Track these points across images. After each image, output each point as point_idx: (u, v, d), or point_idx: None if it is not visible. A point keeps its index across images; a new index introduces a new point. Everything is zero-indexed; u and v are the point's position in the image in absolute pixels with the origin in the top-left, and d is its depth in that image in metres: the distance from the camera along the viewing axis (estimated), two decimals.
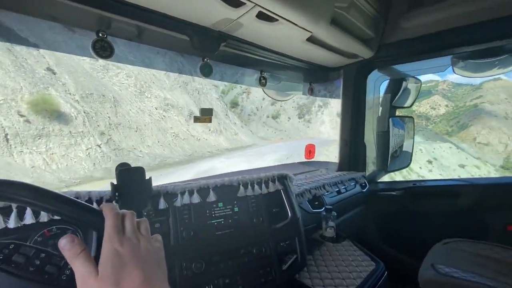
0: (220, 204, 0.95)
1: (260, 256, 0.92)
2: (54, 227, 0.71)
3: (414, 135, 2.11)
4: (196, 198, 0.90)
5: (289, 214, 1.03)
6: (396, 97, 1.94)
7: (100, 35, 0.95)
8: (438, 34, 1.39)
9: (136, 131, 18.08)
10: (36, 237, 0.68)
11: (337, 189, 1.52)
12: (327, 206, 1.30)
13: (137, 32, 1.10)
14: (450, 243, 1.38)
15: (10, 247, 0.39)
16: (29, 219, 0.65)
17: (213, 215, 0.93)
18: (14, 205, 0.65)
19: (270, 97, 1.74)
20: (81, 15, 0.91)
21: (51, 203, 0.40)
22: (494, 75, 1.62)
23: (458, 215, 1.65)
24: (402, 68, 1.78)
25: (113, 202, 0.81)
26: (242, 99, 67.70)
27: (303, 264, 0.99)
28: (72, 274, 0.38)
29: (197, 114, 1.26)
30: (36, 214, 0.67)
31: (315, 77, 1.78)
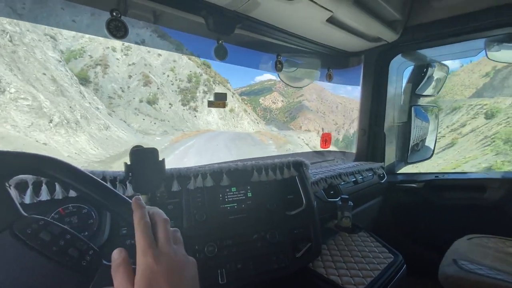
0: (234, 189, 0.94)
1: (273, 242, 0.90)
2: (70, 205, 0.72)
3: (438, 125, 1.99)
4: (209, 182, 0.89)
5: (304, 201, 1.00)
6: (420, 85, 1.83)
7: (114, 14, 0.93)
8: (471, 15, 1.27)
9: None
10: (52, 215, 0.69)
11: (354, 179, 1.47)
12: (343, 196, 1.25)
13: (152, 13, 1.08)
14: (474, 238, 1.31)
15: (40, 223, 0.39)
16: (44, 195, 0.66)
17: (226, 200, 0.91)
18: (30, 181, 0.66)
19: (285, 82, 1.68)
20: None
21: (86, 186, 0.42)
22: None
23: (483, 210, 1.56)
24: (429, 52, 1.66)
25: (127, 182, 0.81)
26: (95, 75, 48.85)
27: (317, 253, 0.97)
28: (91, 262, 0.40)
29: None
30: (51, 191, 0.67)
31: (334, 62, 1.70)
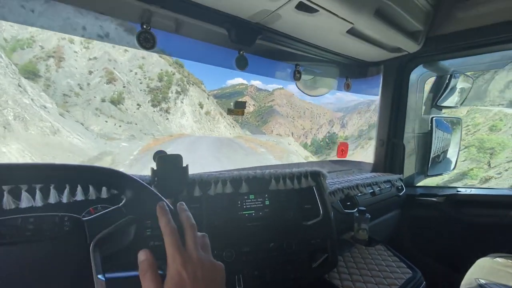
0: (252, 196, 0.95)
1: (289, 252, 0.90)
2: (99, 205, 0.76)
3: (461, 138, 1.93)
4: (228, 188, 0.91)
5: (321, 212, 1.00)
6: (442, 96, 1.79)
7: (144, 27, 0.99)
8: (499, 26, 1.24)
9: None
10: (83, 214, 0.74)
11: (371, 191, 1.45)
12: (360, 208, 1.24)
13: (178, 24, 1.14)
14: (498, 258, 1.25)
15: None
16: (79, 195, 0.70)
17: (244, 207, 0.93)
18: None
19: (302, 91, 1.70)
20: (127, 8, 0.96)
21: (128, 187, 0.45)
22: None
23: (509, 228, 1.48)
24: (452, 63, 1.63)
25: (152, 186, 0.85)
26: (47, 68, 41.85)
27: (334, 264, 0.96)
28: (73, 223, 0.40)
29: None
30: (85, 192, 0.72)
31: (352, 72, 1.70)
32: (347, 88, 1.66)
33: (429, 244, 1.68)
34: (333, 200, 1.21)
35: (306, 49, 1.41)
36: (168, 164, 0.82)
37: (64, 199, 0.68)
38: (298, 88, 1.70)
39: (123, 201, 0.43)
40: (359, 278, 1.01)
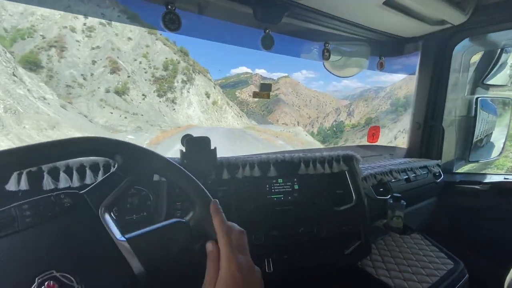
0: (280, 180, 0.93)
1: (320, 237, 0.87)
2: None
3: (511, 120, 1.73)
4: (256, 172, 0.89)
5: (354, 198, 0.95)
6: (490, 73, 1.60)
7: (169, 7, 0.96)
8: None
9: None
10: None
11: (406, 177, 1.36)
12: (395, 194, 1.17)
13: (203, 5, 1.10)
14: None
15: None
16: None
17: (273, 190, 0.91)
18: (101, 163, 0.73)
19: (330, 72, 1.60)
20: None
21: (178, 176, 0.45)
22: None
23: None
24: (503, 36, 1.44)
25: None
26: (49, 58, 39.99)
27: (367, 251, 0.92)
28: (73, 199, 0.38)
29: None
30: None
31: (386, 49, 1.57)
32: (380, 67, 1.54)
33: (469, 235, 1.56)
34: (365, 186, 1.14)
35: (337, 26, 1.31)
36: (197, 147, 0.81)
37: (100, 178, 0.70)
38: (326, 69, 1.61)
39: (116, 166, 0.42)
40: (393, 267, 0.96)
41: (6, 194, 0.62)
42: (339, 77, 1.70)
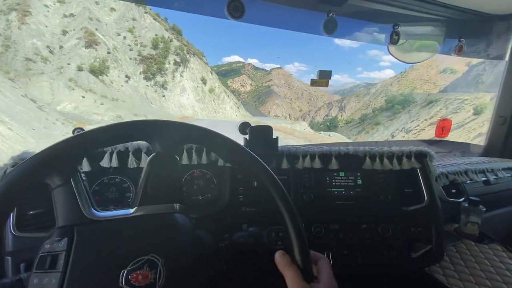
0: (342, 174, 0.88)
1: (385, 237, 0.81)
2: (199, 170, 0.82)
3: None
4: (317, 164, 0.86)
5: (426, 198, 0.86)
6: None
7: None
8: None
9: None
10: (186, 176, 0.81)
11: (485, 178, 1.19)
12: (472, 198, 1.03)
13: None
14: None
15: None
16: (185, 160, 0.76)
17: (334, 184, 0.87)
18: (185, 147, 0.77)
19: (397, 58, 1.45)
20: None
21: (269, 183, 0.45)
22: None
23: None
24: None
25: None
26: (7, 24, 31.38)
27: (439, 257, 0.83)
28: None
29: None
30: (189, 156, 0.78)
31: (467, 30, 1.36)
32: (459, 51, 1.34)
33: None
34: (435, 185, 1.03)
35: (408, 4, 1.17)
36: (260, 135, 0.82)
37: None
38: (390, 54, 1.46)
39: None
40: (468, 278, 0.86)
41: (100, 169, 0.70)
42: (405, 62, 1.53)
